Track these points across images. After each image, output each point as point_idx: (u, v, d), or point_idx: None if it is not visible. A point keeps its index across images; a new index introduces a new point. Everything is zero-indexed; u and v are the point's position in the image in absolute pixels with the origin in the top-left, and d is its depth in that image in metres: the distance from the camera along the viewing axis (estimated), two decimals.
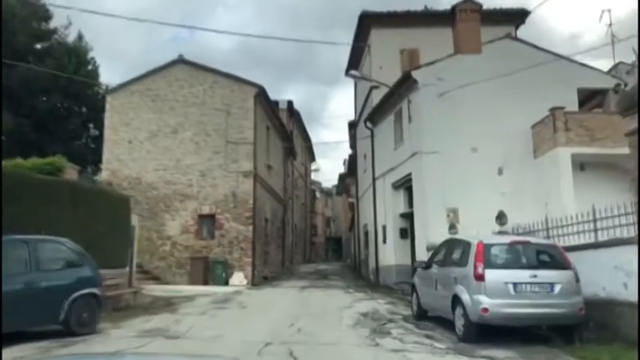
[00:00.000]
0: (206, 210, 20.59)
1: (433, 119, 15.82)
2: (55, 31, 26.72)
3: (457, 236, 9.43)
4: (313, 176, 52.77)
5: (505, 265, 8.07)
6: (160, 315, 11.07)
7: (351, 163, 31.75)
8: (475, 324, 7.79)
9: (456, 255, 8.93)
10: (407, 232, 18.01)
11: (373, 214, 20.31)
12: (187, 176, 20.90)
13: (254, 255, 20.22)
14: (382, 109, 19.02)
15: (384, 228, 19.01)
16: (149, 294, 15.13)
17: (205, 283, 19.55)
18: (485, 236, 9.05)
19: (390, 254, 18.31)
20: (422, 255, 15.57)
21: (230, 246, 20.22)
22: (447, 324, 8.95)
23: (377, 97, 19.85)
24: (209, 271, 19.79)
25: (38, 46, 25.68)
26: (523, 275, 7.77)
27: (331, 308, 12.19)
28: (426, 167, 15.71)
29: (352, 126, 34.83)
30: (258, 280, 20.61)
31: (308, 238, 47.36)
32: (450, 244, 9.51)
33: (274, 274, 24.11)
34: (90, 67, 27.41)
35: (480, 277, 7.75)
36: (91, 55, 28.06)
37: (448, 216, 15.50)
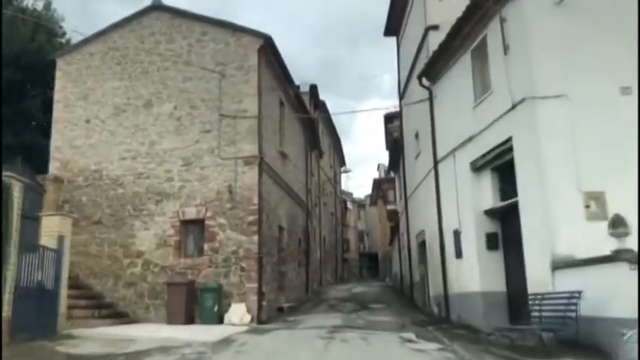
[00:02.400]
0: (192, 213, 14.21)
1: (550, 42, 9.21)
2: None
3: None
4: (344, 185, 46.08)
5: None
6: None
7: (394, 152, 25.05)
8: None
9: None
10: (497, 240, 11.22)
11: (437, 215, 13.56)
12: (165, 166, 14.63)
13: (260, 278, 13.66)
14: (450, 49, 12.36)
15: (457, 234, 12.24)
16: (65, 351, 8.75)
17: (190, 320, 13.21)
18: None
19: (471, 275, 11.49)
20: (543, 278, 8.79)
21: (226, 265, 13.73)
22: None
23: (436, 42, 13.31)
24: (195, 302, 13.40)
25: None
26: None
27: None
28: (544, 122, 9.01)
29: (389, 119, 28.83)
30: (267, 315, 14.02)
31: (340, 254, 40.56)
32: None
33: (294, 303, 17.48)
34: (61, 40, 21.71)
35: None
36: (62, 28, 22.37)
37: (587, 206, 8.72)
